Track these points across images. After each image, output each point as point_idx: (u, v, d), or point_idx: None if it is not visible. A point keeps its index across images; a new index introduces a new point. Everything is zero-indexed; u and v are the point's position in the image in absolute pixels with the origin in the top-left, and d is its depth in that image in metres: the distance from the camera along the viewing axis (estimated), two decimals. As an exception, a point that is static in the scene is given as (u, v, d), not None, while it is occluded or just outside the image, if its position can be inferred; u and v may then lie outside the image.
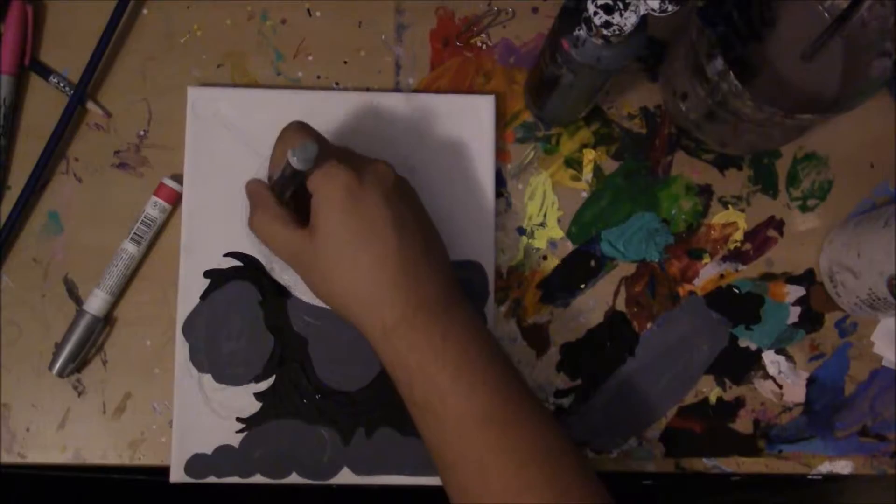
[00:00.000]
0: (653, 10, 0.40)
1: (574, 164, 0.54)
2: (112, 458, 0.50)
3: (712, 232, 0.54)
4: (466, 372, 0.41)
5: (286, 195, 0.44)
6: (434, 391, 0.41)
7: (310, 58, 0.54)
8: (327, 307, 0.51)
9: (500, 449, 0.40)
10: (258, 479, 0.49)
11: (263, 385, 0.50)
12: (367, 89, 0.54)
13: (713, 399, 0.53)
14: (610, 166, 0.54)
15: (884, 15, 0.47)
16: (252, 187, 0.46)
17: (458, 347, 0.42)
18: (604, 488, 0.41)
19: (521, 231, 0.53)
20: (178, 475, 0.49)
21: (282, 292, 0.51)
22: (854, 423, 0.53)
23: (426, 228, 0.45)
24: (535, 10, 0.55)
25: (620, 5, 0.40)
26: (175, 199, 0.51)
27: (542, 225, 0.53)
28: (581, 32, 0.42)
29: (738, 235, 0.54)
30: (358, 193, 0.41)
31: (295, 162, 0.39)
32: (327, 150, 0.42)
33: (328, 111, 0.52)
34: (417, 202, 0.46)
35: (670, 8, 0.39)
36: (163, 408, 0.51)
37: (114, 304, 0.51)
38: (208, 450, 0.49)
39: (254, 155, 0.51)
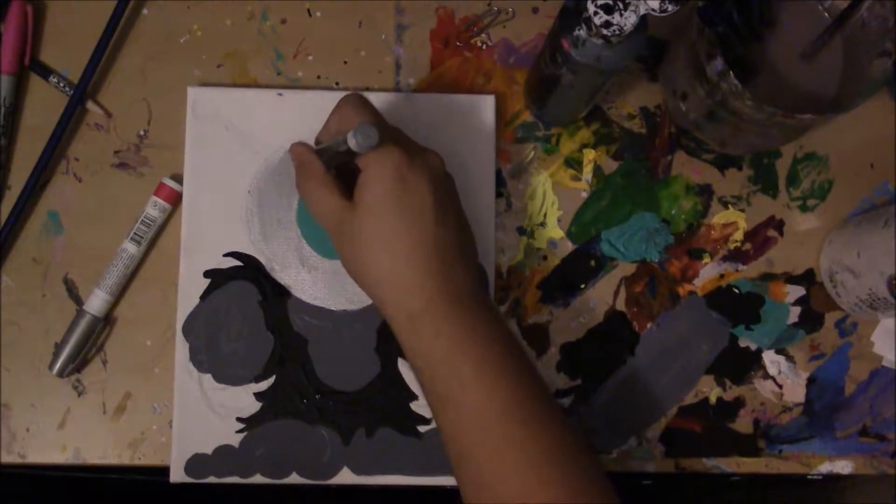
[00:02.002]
0: (653, 10, 0.40)
1: (574, 164, 0.54)
2: (112, 458, 0.50)
3: (712, 232, 0.54)
4: (490, 365, 0.41)
5: (332, 165, 0.44)
6: (456, 382, 0.41)
7: (310, 58, 0.54)
8: (327, 307, 0.51)
9: (519, 444, 0.40)
10: (258, 479, 0.49)
11: (263, 385, 0.50)
12: (367, 89, 0.54)
13: (713, 399, 0.53)
14: (610, 166, 0.54)
15: (884, 15, 0.47)
16: (299, 152, 0.45)
17: (483, 341, 0.41)
18: (613, 491, 0.41)
19: (521, 231, 0.53)
20: (178, 475, 0.49)
21: (282, 292, 0.51)
22: (854, 423, 0.53)
23: (464, 224, 0.45)
24: (535, 10, 0.55)
25: (620, 5, 0.40)
26: (175, 199, 0.51)
27: (542, 225, 0.53)
28: (581, 32, 0.42)
29: (738, 235, 0.54)
30: (407, 176, 0.41)
31: (354, 144, 0.39)
32: (382, 129, 0.42)
33: (328, 111, 0.52)
34: (458, 200, 0.46)
35: (670, 8, 0.39)
36: (163, 408, 0.51)
37: (114, 304, 0.51)
38: (208, 450, 0.49)
39: (254, 155, 0.51)
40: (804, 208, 0.55)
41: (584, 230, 0.53)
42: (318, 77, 0.54)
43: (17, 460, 0.50)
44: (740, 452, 0.53)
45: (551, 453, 0.40)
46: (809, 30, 0.48)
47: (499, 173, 0.53)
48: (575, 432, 0.42)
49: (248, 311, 0.50)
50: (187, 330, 0.50)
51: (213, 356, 0.50)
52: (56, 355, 0.50)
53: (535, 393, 0.42)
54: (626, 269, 0.53)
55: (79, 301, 0.51)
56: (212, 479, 0.49)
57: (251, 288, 0.51)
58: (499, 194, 0.53)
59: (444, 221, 0.42)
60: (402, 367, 0.51)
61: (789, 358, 0.53)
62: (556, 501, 0.39)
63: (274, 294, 0.51)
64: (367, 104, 0.44)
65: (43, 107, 0.52)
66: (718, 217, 0.54)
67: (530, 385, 0.42)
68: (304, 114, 0.52)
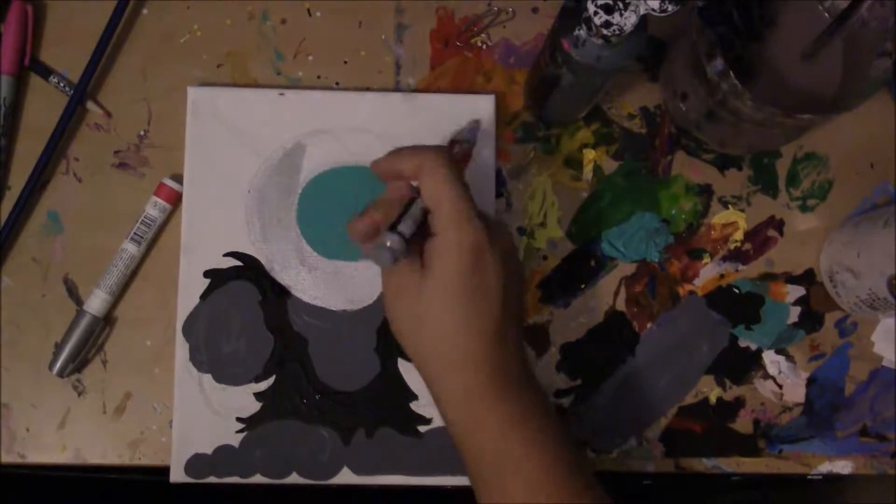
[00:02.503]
0: (653, 10, 0.40)
1: (574, 164, 0.54)
2: (112, 458, 0.50)
3: (712, 232, 0.54)
4: (539, 448, 0.40)
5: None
6: (506, 464, 0.40)
7: (310, 58, 0.54)
8: (327, 307, 0.51)
9: None
10: (258, 479, 0.49)
11: (263, 385, 0.50)
12: (367, 89, 0.54)
13: (713, 399, 0.53)
14: (610, 166, 0.54)
15: (884, 15, 0.47)
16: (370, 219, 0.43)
17: (533, 423, 0.41)
18: None
19: (521, 231, 0.53)
20: (178, 475, 0.49)
21: (282, 292, 0.51)
22: (854, 423, 0.53)
23: (521, 304, 0.44)
24: (535, 10, 0.55)
25: (620, 5, 0.40)
26: (175, 199, 0.51)
27: (542, 225, 0.53)
28: (581, 32, 0.42)
29: (738, 235, 0.54)
30: (486, 255, 0.40)
31: (376, 258, 0.39)
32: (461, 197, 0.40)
33: (328, 111, 0.52)
34: (520, 269, 0.45)
35: (670, 8, 0.39)
36: (163, 408, 0.51)
37: (114, 304, 0.51)
38: (208, 450, 0.49)
39: (254, 155, 0.51)
40: (804, 208, 0.55)
41: (584, 230, 0.53)
42: (318, 77, 0.54)
43: (17, 460, 0.50)
44: (740, 452, 0.53)
45: None
46: (809, 30, 0.48)
47: (499, 173, 0.53)
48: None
49: (248, 311, 0.50)
50: (187, 330, 0.50)
51: (213, 356, 0.50)
52: (56, 355, 0.50)
53: (576, 484, 0.41)
54: (626, 269, 0.53)
55: (79, 301, 0.51)
56: (212, 479, 0.49)
57: (251, 288, 0.51)
58: (499, 194, 0.53)
59: (507, 303, 0.41)
60: (402, 367, 0.51)
61: (789, 358, 0.53)
62: None
63: (274, 294, 0.51)
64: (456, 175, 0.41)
65: (43, 107, 0.52)
66: (718, 217, 0.54)
67: (572, 466, 0.41)
68: (305, 114, 0.52)
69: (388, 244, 0.38)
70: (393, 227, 0.40)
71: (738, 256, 0.54)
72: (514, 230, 0.53)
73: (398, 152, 0.43)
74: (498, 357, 0.41)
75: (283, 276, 0.51)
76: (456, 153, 0.45)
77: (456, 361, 0.40)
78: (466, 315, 0.40)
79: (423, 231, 0.41)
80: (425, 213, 0.41)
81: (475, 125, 0.48)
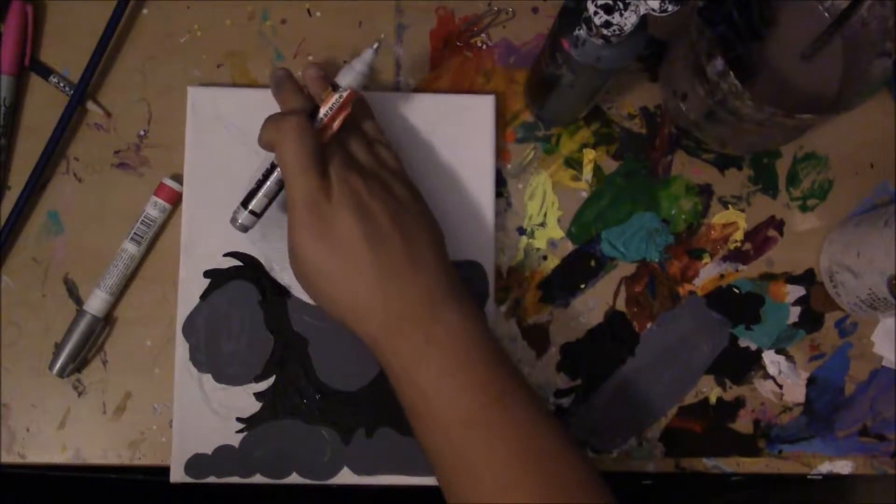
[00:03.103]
0: (653, 10, 0.40)
1: (574, 163, 0.54)
2: (112, 458, 0.50)
3: (712, 232, 0.54)
4: (449, 375, 0.41)
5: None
6: (418, 396, 0.41)
7: (310, 58, 0.54)
8: (327, 307, 0.51)
9: (486, 450, 0.40)
10: (258, 479, 0.49)
11: (263, 385, 0.50)
12: (367, 89, 0.54)
13: (713, 399, 0.53)
14: (610, 166, 0.54)
15: (884, 15, 0.47)
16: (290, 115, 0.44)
17: (441, 351, 0.42)
18: (609, 491, 0.41)
19: (521, 231, 0.53)
20: (178, 475, 0.49)
21: (282, 292, 0.51)
22: (854, 423, 0.53)
23: (410, 230, 0.44)
24: (535, 10, 0.55)
25: (620, 5, 0.40)
26: (175, 199, 0.51)
27: (542, 225, 0.53)
28: (581, 32, 0.42)
29: (738, 235, 0.54)
30: (325, 210, 0.42)
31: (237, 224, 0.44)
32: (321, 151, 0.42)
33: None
34: (401, 197, 0.45)
35: (670, 8, 0.39)
36: (163, 408, 0.51)
37: (114, 304, 0.51)
38: (208, 450, 0.49)
39: (254, 155, 0.51)
40: (804, 208, 0.55)
41: (584, 230, 0.53)
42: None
43: (17, 460, 0.50)
44: (740, 452, 0.53)
45: (524, 455, 0.40)
46: (809, 30, 0.48)
47: (499, 173, 0.53)
48: (558, 432, 0.42)
49: (248, 310, 0.50)
50: (187, 330, 0.50)
51: (213, 356, 0.50)
52: (56, 355, 0.50)
53: (504, 396, 0.42)
54: (626, 269, 0.53)
55: (79, 301, 0.51)
56: (212, 479, 0.49)
57: (251, 288, 0.51)
58: (499, 194, 0.53)
59: (376, 243, 0.42)
60: (402, 367, 0.51)
61: (789, 358, 0.53)
62: (531, 502, 0.39)
63: (274, 294, 0.51)
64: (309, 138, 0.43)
65: (43, 107, 0.52)
66: (718, 217, 0.54)
67: (500, 387, 0.42)
68: (304, 114, 0.52)
69: (239, 221, 0.45)
70: (246, 203, 0.46)
71: (738, 256, 0.54)
72: (514, 230, 0.53)
73: (263, 124, 0.44)
74: (385, 301, 0.42)
75: (283, 276, 0.51)
76: (328, 111, 0.44)
77: (351, 313, 0.43)
78: (332, 272, 0.42)
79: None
80: (282, 183, 0.43)
81: (357, 65, 0.45)
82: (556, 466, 0.41)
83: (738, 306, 0.53)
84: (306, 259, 0.42)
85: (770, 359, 0.53)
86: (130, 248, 0.50)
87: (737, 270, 0.54)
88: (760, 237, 0.54)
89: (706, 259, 0.54)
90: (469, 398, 0.41)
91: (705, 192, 0.54)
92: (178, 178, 0.51)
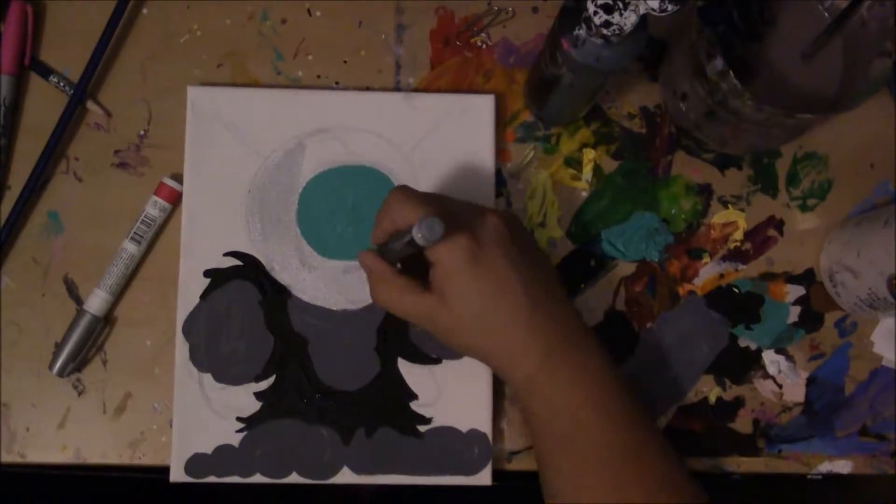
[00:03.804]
0: (653, 10, 0.40)
1: (574, 163, 0.54)
2: (112, 458, 0.50)
3: (712, 231, 0.54)
4: (604, 405, 0.43)
5: (398, 260, 0.45)
6: (577, 425, 0.43)
7: (310, 58, 0.54)
8: (327, 307, 0.51)
9: (636, 476, 0.43)
10: (258, 478, 0.49)
11: (263, 385, 0.50)
12: (367, 89, 0.54)
13: (713, 399, 0.53)
14: (610, 166, 0.54)
15: (884, 15, 0.47)
16: (368, 262, 0.45)
17: (595, 381, 0.44)
18: (703, 491, 0.45)
19: (521, 231, 0.53)
20: (178, 475, 0.49)
21: (282, 292, 0.51)
22: (854, 423, 0.53)
23: (544, 269, 0.46)
24: (535, 10, 0.55)
25: (620, 5, 0.40)
26: (175, 199, 0.51)
27: (542, 225, 0.53)
28: (581, 32, 0.42)
29: (738, 235, 0.54)
30: (481, 257, 0.42)
31: (420, 239, 0.39)
32: (439, 213, 0.41)
33: (328, 111, 0.52)
34: (528, 240, 0.47)
35: (670, 8, 0.39)
36: (163, 408, 0.51)
37: (114, 304, 0.51)
38: (208, 449, 0.49)
39: (254, 155, 0.51)
40: (804, 208, 0.55)
41: (584, 230, 0.53)
42: (318, 77, 0.54)
43: (17, 460, 0.50)
44: (740, 452, 0.53)
45: (663, 483, 0.43)
46: (809, 30, 0.48)
47: (499, 173, 0.53)
48: (679, 460, 0.45)
49: (248, 310, 0.50)
50: (187, 330, 0.50)
51: (213, 356, 0.50)
52: (56, 355, 0.50)
53: (643, 426, 0.45)
54: (626, 269, 0.53)
55: (79, 301, 0.51)
56: (212, 479, 0.49)
57: (251, 287, 0.51)
58: (499, 194, 0.53)
59: (528, 283, 0.43)
60: (403, 366, 0.51)
61: (789, 358, 0.53)
62: None
63: (274, 294, 0.51)
64: (415, 194, 0.44)
65: (43, 107, 0.52)
66: (718, 217, 0.54)
67: (641, 417, 0.45)
68: (305, 114, 0.52)
69: (432, 222, 0.39)
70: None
71: (737, 256, 0.54)
72: (514, 230, 0.53)
73: (379, 217, 0.45)
74: (541, 339, 0.43)
75: (283, 276, 0.51)
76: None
77: (505, 355, 0.44)
78: (490, 316, 0.43)
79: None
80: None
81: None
82: (686, 493, 0.44)
83: (738, 306, 0.53)
84: (459, 311, 0.43)
85: (770, 358, 0.53)
86: (130, 248, 0.50)
87: (737, 270, 0.54)
88: (760, 237, 0.54)
89: (706, 259, 0.54)
90: (621, 428, 0.43)
91: (705, 191, 0.54)
92: (178, 178, 0.51)
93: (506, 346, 0.43)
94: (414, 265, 0.45)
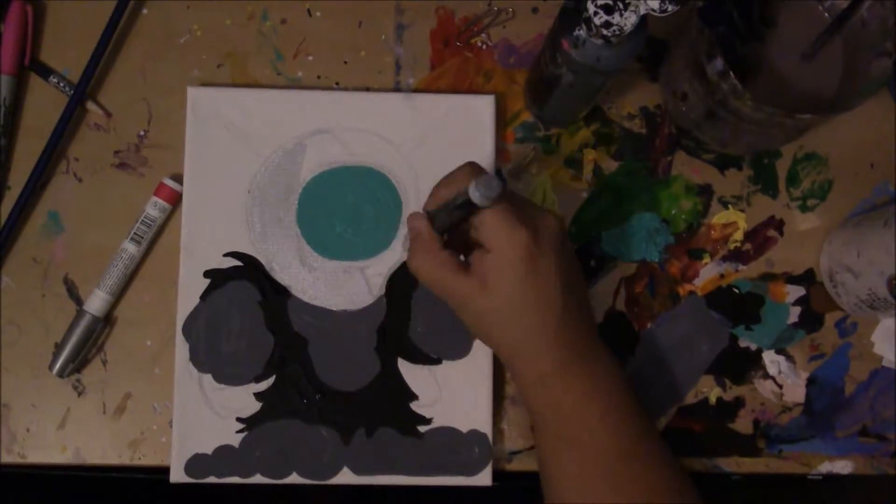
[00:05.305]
0: (653, 10, 0.40)
1: (574, 164, 0.54)
2: (112, 458, 0.50)
3: (712, 232, 0.54)
4: (613, 411, 0.44)
5: (446, 231, 0.44)
6: (584, 428, 0.44)
7: (310, 58, 0.54)
8: (327, 307, 0.51)
9: (638, 482, 0.44)
10: (258, 479, 0.49)
11: (263, 385, 0.50)
12: (367, 89, 0.54)
13: (713, 399, 0.53)
14: (610, 166, 0.54)
15: (884, 15, 0.47)
16: (415, 224, 0.44)
17: (606, 389, 0.45)
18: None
19: (521, 231, 0.53)
20: (178, 475, 0.49)
21: (282, 292, 0.51)
22: (854, 423, 0.53)
23: (579, 278, 0.46)
24: (535, 10, 0.55)
25: (620, 5, 0.40)
26: (175, 199, 0.51)
27: (542, 225, 0.53)
28: (581, 32, 0.42)
29: (738, 235, 0.54)
30: (536, 258, 0.42)
31: (477, 197, 0.38)
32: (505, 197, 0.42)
33: (328, 111, 0.52)
34: (571, 247, 0.47)
35: (670, 8, 0.39)
36: (163, 408, 0.51)
37: (114, 304, 0.51)
38: (208, 450, 0.49)
39: (254, 155, 0.51)
40: (804, 208, 0.55)
41: (584, 230, 0.53)
42: (318, 77, 0.54)
43: (17, 460, 0.50)
44: (740, 452, 0.53)
45: (663, 490, 0.44)
46: (809, 30, 0.48)
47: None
48: (682, 470, 0.46)
49: (248, 311, 0.50)
50: (187, 330, 0.50)
51: (213, 356, 0.50)
52: (56, 355, 0.50)
53: (648, 434, 0.46)
54: (626, 269, 0.53)
55: (79, 301, 0.51)
56: (212, 479, 0.49)
57: (251, 288, 0.51)
58: (499, 194, 0.53)
59: (567, 293, 0.43)
60: (402, 366, 0.51)
61: (789, 358, 0.53)
62: None
63: (274, 294, 0.51)
64: (481, 168, 0.44)
65: (43, 107, 0.52)
66: (718, 217, 0.54)
67: (645, 426, 0.45)
68: (305, 114, 0.52)
69: (490, 180, 0.38)
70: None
71: (738, 256, 0.54)
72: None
73: (439, 186, 0.45)
74: (566, 340, 0.44)
75: (283, 276, 0.51)
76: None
77: (526, 352, 0.44)
78: (525, 314, 0.43)
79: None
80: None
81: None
82: (693, 492, 0.45)
83: (738, 306, 0.53)
84: (499, 304, 0.42)
85: (770, 359, 0.53)
86: (130, 248, 0.50)
87: (737, 270, 0.54)
88: (760, 237, 0.54)
89: (706, 259, 0.54)
90: (626, 433, 0.44)
91: (705, 192, 0.54)
92: (178, 178, 0.51)
93: (530, 344, 0.43)
94: (459, 244, 0.45)
